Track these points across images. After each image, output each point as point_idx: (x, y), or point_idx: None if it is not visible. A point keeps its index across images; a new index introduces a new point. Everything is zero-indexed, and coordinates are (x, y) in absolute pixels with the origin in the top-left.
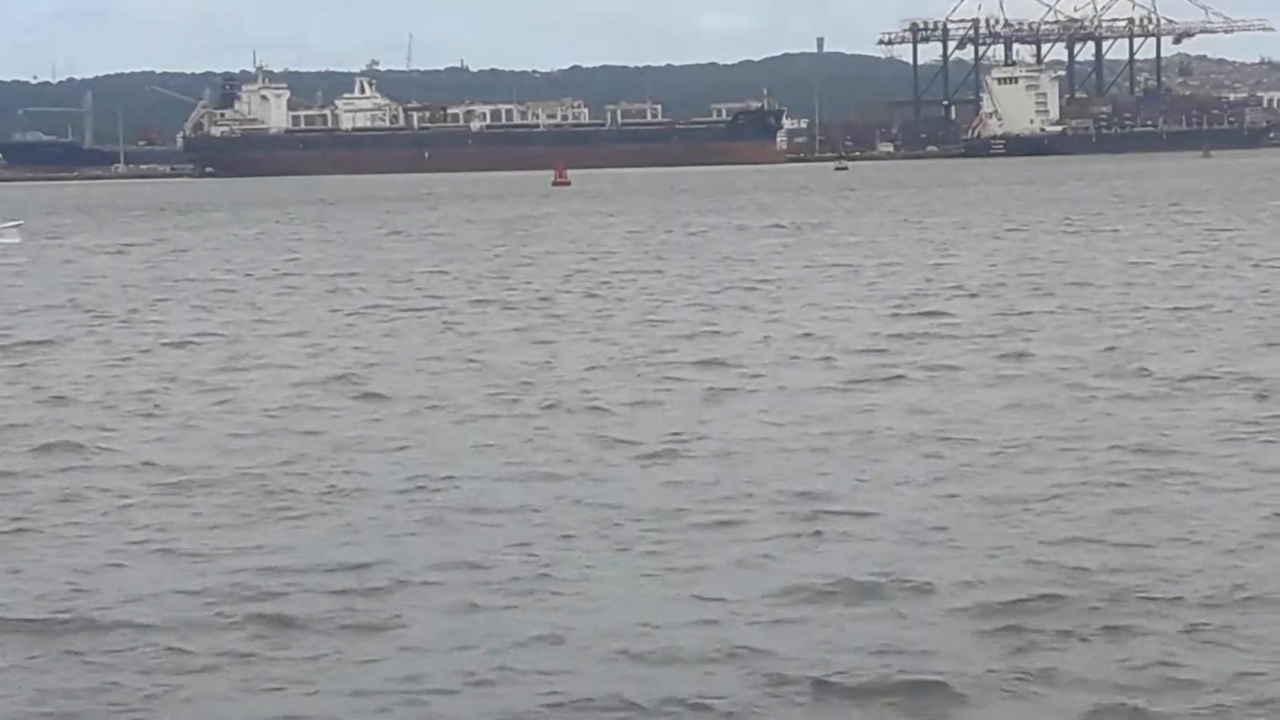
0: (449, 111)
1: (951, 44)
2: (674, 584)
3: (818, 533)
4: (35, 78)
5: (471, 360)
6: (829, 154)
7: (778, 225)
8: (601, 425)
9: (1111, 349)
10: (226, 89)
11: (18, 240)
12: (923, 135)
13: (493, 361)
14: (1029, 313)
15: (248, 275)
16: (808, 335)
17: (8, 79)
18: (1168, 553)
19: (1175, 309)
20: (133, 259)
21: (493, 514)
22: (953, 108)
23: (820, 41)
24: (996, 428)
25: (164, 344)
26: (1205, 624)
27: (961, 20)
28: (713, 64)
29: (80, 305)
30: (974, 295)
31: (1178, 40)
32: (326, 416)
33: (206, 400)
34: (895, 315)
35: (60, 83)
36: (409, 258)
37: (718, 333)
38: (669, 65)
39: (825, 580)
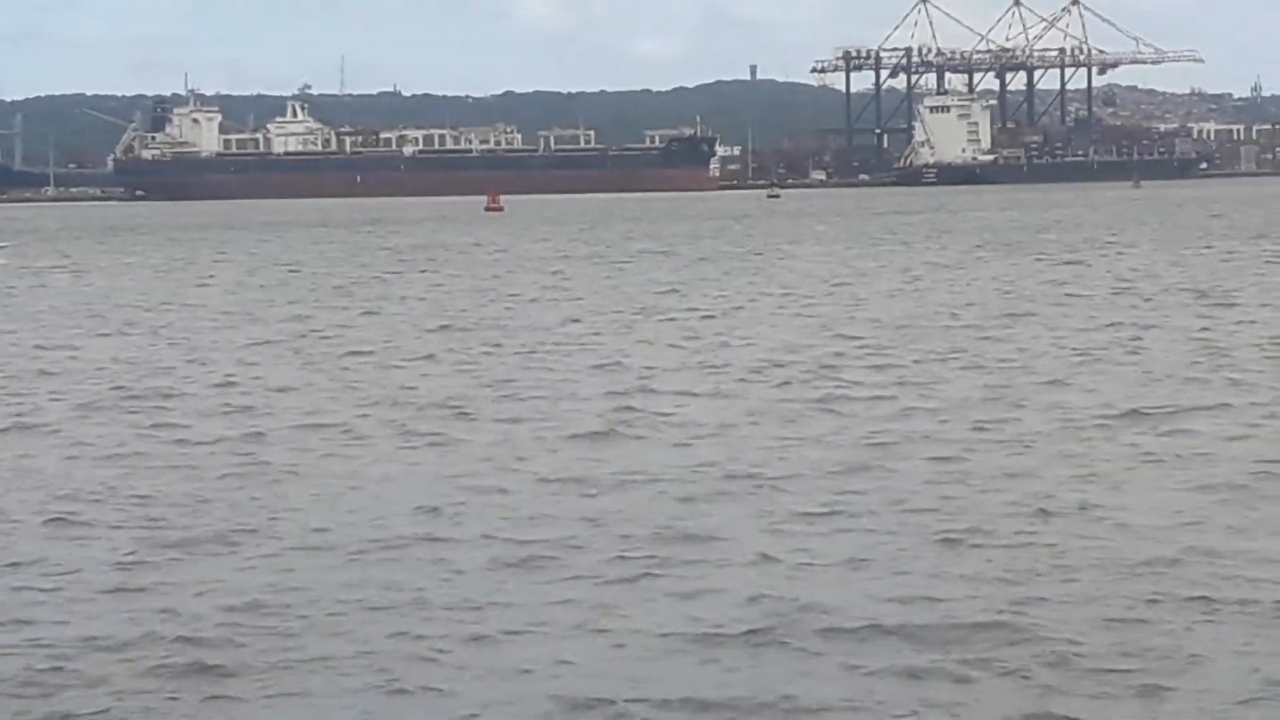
0: (382, 136)
1: (884, 73)
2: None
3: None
4: None
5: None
6: (762, 181)
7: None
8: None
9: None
10: (158, 112)
11: (4, 262)
12: (855, 163)
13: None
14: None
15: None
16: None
17: None
18: None
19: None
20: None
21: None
22: (885, 136)
23: (754, 69)
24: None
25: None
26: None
27: (894, 49)
28: (646, 90)
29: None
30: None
31: (1102, 71)
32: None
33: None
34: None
35: None
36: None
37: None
38: (602, 91)
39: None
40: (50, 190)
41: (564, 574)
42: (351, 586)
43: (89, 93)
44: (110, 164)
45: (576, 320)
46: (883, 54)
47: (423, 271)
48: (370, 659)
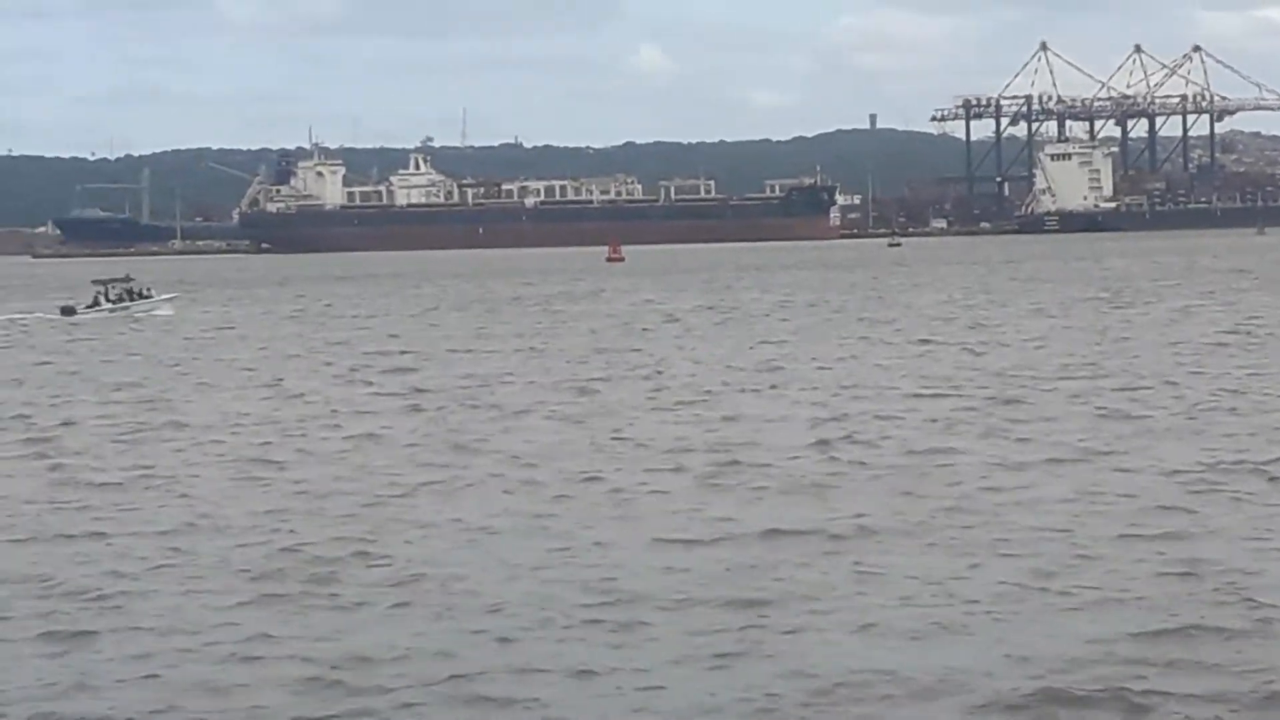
0: (504, 187)
1: (1004, 120)
2: None
3: None
4: (93, 154)
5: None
6: (882, 230)
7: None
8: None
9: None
10: (282, 165)
11: (171, 312)
12: (976, 211)
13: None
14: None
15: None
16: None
17: (65, 155)
18: None
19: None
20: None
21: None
22: (1006, 184)
23: (873, 118)
24: None
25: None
26: None
27: (1014, 97)
28: (766, 140)
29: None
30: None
31: (1222, 118)
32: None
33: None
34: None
35: (117, 159)
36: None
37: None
38: (722, 141)
39: None
40: (177, 243)
41: None
42: None
43: (214, 147)
44: (235, 217)
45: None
46: (1003, 102)
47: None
48: None
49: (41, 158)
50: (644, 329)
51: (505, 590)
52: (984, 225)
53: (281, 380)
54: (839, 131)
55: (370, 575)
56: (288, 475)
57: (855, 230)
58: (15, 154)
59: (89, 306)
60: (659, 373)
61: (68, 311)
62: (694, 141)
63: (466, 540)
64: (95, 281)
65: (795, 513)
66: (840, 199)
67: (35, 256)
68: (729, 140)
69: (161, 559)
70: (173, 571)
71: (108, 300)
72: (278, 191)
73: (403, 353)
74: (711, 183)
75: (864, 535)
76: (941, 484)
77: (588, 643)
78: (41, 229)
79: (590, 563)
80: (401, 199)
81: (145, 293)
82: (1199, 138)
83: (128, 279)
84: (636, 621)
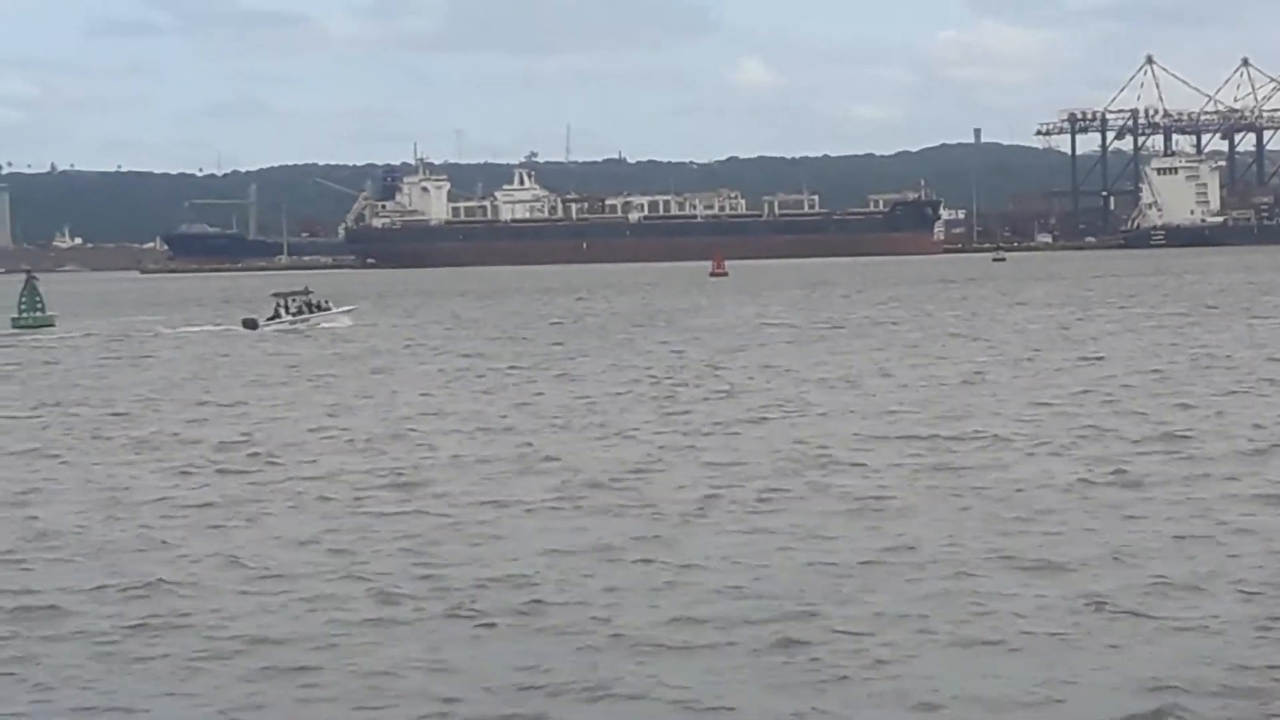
0: (607, 202)
1: (1110, 134)
2: None
3: None
4: (200, 170)
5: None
6: (987, 244)
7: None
8: None
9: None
10: (388, 181)
11: (350, 324)
12: (1081, 226)
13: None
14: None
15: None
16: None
17: (174, 171)
18: None
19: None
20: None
21: None
22: (1111, 198)
23: (977, 132)
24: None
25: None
26: None
27: (1120, 111)
28: (869, 154)
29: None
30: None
31: None
32: None
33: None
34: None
35: (225, 175)
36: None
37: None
38: (825, 156)
39: None
40: (284, 258)
41: None
42: None
43: (320, 163)
44: (342, 232)
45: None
46: (1108, 115)
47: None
48: None
49: (150, 174)
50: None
51: None
52: (1089, 239)
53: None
54: (943, 145)
55: None
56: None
57: (959, 245)
58: (124, 170)
59: (270, 319)
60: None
61: (250, 324)
62: (798, 156)
63: None
64: (275, 294)
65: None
66: (944, 213)
67: (143, 272)
68: (832, 154)
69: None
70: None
71: (288, 313)
72: (383, 207)
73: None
74: (815, 197)
75: None
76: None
77: None
78: (150, 244)
79: None
80: (506, 214)
81: (324, 305)
82: None
83: (306, 292)
84: None
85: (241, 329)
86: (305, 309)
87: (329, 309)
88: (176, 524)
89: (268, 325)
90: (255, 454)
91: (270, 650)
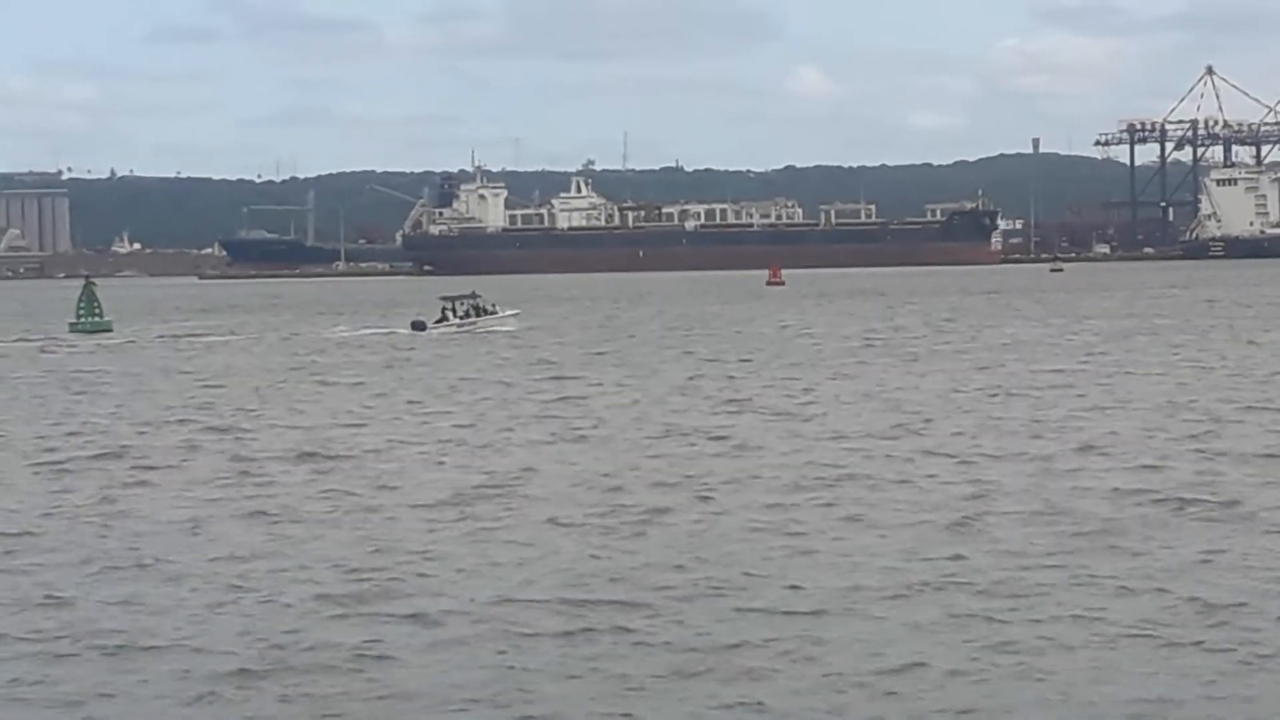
0: (664, 211)
1: (1169, 145)
2: None
3: None
4: (259, 176)
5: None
6: (1044, 255)
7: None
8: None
9: None
10: (445, 188)
11: (515, 327)
12: (1139, 236)
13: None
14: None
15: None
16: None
17: (232, 177)
18: None
19: None
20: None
21: None
22: (1170, 209)
23: (1035, 142)
24: None
25: None
26: None
27: (1179, 121)
28: (926, 164)
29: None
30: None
31: None
32: None
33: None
34: None
35: (283, 181)
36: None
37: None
38: (883, 165)
39: None
40: (341, 265)
41: None
42: None
43: (378, 169)
44: (399, 239)
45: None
46: (1168, 126)
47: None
48: None
49: (209, 179)
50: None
51: None
52: (1148, 250)
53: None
54: (1001, 155)
55: None
56: None
57: (1017, 255)
58: (183, 175)
59: (437, 321)
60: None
61: (418, 327)
62: (855, 165)
63: None
64: (443, 298)
65: None
66: (1002, 223)
67: (201, 278)
68: (890, 164)
69: None
70: None
71: (455, 316)
72: (440, 214)
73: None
74: (872, 206)
75: None
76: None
77: None
78: (208, 250)
79: None
80: (563, 222)
81: (490, 309)
82: None
83: (474, 295)
84: None
85: (410, 331)
86: (472, 312)
87: (495, 312)
88: None
89: (435, 328)
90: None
91: None
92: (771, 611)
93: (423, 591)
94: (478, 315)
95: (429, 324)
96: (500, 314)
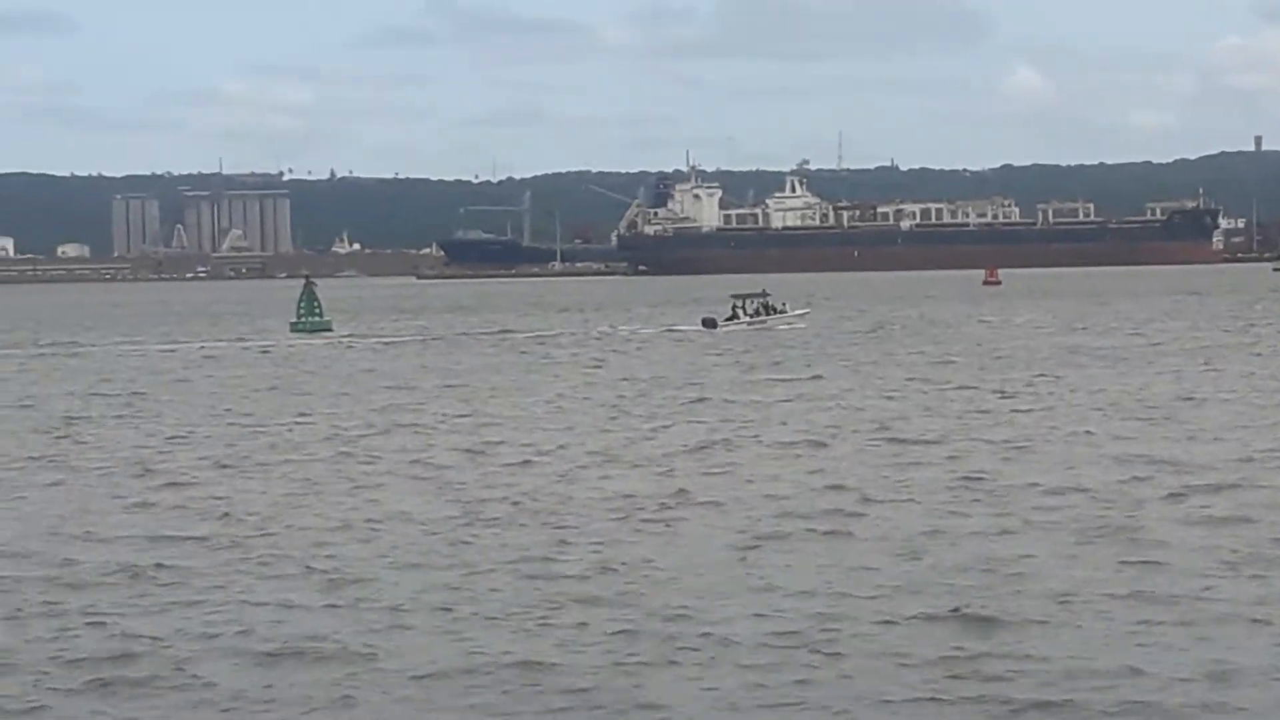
0: (879, 210)
1: None
2: None
3: None
4: (476, 177)
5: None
6: (1268, 254)
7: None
8: None
9: None
10: (660, 188)
11: (805, 325)
12: None
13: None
14: None
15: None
16: None
17: (449, 178)
18: None
19: None
20: None
21: None
22: None
23: (1258, 140)
24: None
25: None
26: None
27: None
28: (1146, 163)
29: None
30: None
31: None
32: None
33: None
34: None
35: (499, 182)
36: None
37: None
38: (1101, 164)
39: None
40: (557, 265)
41: None
42: None
43: (593, 169)
44: (614, 239)
45: None
46: None
47: None
48: None
49: (426, 180)
50: None
51: None
52: None
53: None
54: (1222, 153)
55: None
56: None
57: (1239, 255)
58: (401, 177)
59: (728, 319)
60: None
61: (709, 324)
62: (1073, 164)
63: None
64: (734, 295)
65: None
66: (1223, 222)
67: (419, 278)
68: (1109, 162)
69: None
70: None
71: (745, 314)
72: (655, 214)
73: None
74: (1090, 205)
75: None
76: None
77: None
78: (426, 250)
79: None
80: (777, 221)
81: (781, 307)
82: None
83: (764, 294)
84: None
85: (701, 328)
86: (762, 310)
87: (785, 310)
88: None
89: (726, 325)
90: None
91: None
92: None
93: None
94: (767, 313)
95: (719, 321)
96: (789, 312)
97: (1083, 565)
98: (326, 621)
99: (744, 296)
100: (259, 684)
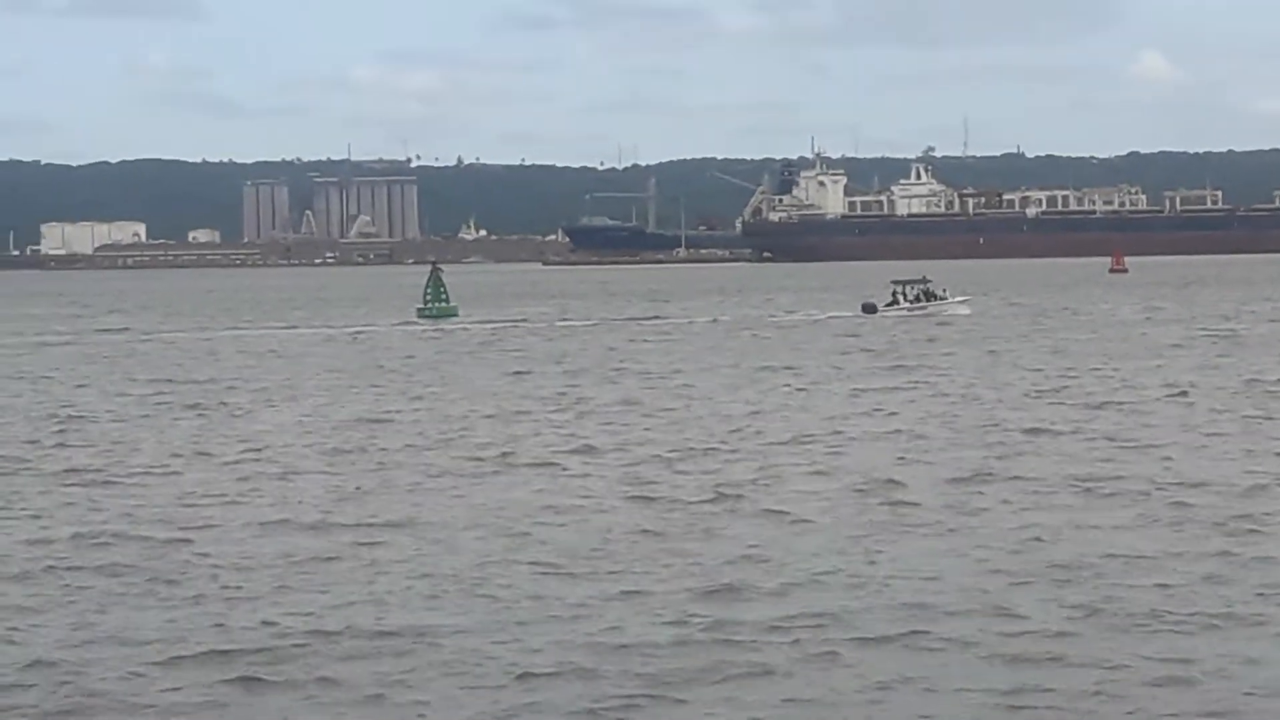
0: (1004, 197)
1: None
2: None
3: None
4: (601, 163)
5: None
6: None
7: None
8: None
9: None
10: (784, 175)
11: (968, 313)
12: None
13: None
14: None
15: None
16: None
17: (575, 165)
18: None
19: None
20: None
21: None
22: None
23: None
24: None
25: None
26: None
27: None
28: (1275, 150)
29: None
30: None
31: None
32: None
33: None
34: None
35: (625, 169)
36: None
37: None
38: (1230, 151)
39: None
40: (681, 252)
41: None
42: None
43: (718, 156)
44: (738, 226)
45: None
46: None
47: None
48: None
49: (552, 166)
50: None
51: None
52: None
53: None
54: None
55: None
56: None
57: None
58: (528, 163)
59: (888, 305)
60: None
61: (869, 309)
62: (1201, 151)
63: None
64: (894, 281)
65: None
66: None
67: (545, 264)
68: (1238, 149)
69: None
70: None
71: (905, 300)
72: (780, 201)
73: None
74: (1219, 193)
75: None
76: None
77: None
78: (551, 237)
79: None
80: (902, 208)
81: (941, 294)
82: None
83: (925, 280)
84: None
85: (861, 314)
86: (923, 297)
87: (945, 298)
88: None
89: (887, 311)
90: None
91: None
92: None
93: None
94: (928, 300)
95: (879, 306)
96: (950, 299)
97: None
98: None
99: (904, 283)
100: None
